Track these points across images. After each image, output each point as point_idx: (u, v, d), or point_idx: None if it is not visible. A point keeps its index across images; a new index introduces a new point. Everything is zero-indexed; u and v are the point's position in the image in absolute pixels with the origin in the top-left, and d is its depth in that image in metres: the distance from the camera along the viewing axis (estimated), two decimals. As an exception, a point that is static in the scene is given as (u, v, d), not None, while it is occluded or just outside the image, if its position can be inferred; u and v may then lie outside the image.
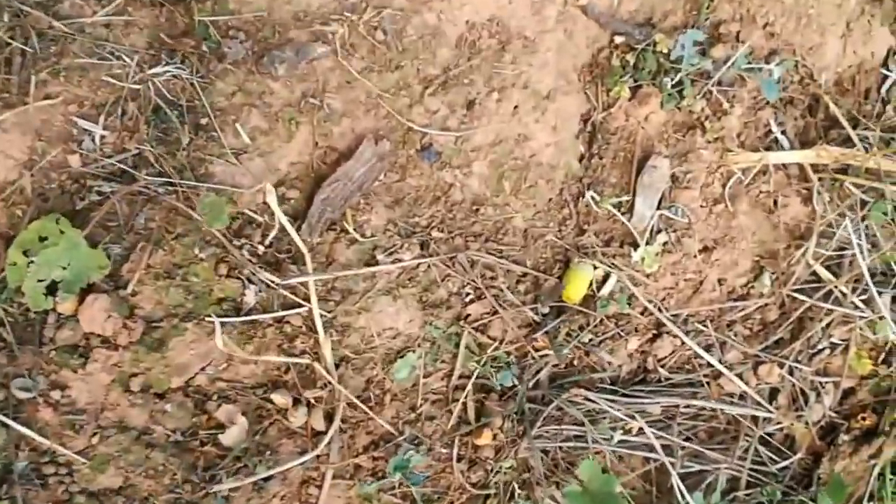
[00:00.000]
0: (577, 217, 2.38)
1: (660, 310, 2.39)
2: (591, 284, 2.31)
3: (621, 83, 2.45)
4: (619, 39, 2.50)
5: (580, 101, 2.45)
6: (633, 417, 2.29)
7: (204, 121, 2.15)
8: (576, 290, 2.27)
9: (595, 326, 2.33)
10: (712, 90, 2.51)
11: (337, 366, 2.14)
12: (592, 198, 2.36)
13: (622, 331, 2.36)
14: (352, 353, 2.16)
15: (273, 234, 2.13)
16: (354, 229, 2.18)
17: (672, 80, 2.48)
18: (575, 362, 2.34)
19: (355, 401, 2.11)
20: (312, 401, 2.10)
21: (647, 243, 2.37)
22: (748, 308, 2.50)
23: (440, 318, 2.23)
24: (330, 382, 2.10)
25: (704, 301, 2.47)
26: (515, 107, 2.30)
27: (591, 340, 2.33)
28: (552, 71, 2.36)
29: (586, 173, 2.42)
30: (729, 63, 2.48)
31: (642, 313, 2.39)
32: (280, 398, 2.07)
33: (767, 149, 2.54)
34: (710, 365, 2.43)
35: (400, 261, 2.18)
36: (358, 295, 2.17)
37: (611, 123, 2.48)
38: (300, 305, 2.11)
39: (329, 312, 2.14)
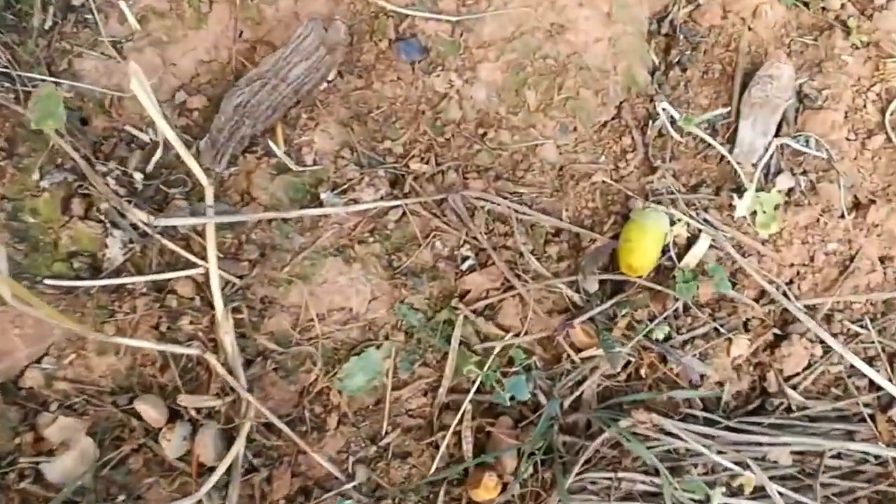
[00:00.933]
0: (644, 149, 1.61)
1: (786, 296, 1.55)
2: (666, 248, 1.51)
3: (716, -36, 1.70)
4: None
5: (652, -9, 1.71)
6: (745, 466, 1.44)
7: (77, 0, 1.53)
8: (642, 254, 1.49)
9: (676, 316, 1.53)
10: (858, -28, 1.74)
11: (249, 363, 1.43)
12: (671, 118, 1.58)
13: (722, 325, 1.54)
14: (276, 344, 1.45)
15: (158, 155, 1.45)
16: (287, 153, 1.48)
17: (794, -39, 1.72)
18: (642, 372, 1.53)
19: (276, 420, 1.38)
20: (202, 417, 1.37)
21: (760, 189, 1.56)
22: (933, 303, 1.66)
23: (421, 294, 1.49)
24: (233, 389, 1.37)
25: (859, 287, 1.64)
26: (547, -17, 1.59)
27: (668, 338, 1.52)
28: (605, -66, 1.65)
29: (660, 90, 1.65)
30: (883, -68, 1.71)
31: (757, 300, 1.56)
32: (150, 410, 1.36)
33: (950, 59, 1.71)
34: (874, 387, 1.59)
35: (358, 202, 1.46)
36: (289, 254, 1.46)
37: (699, 21, 1.74)
38: (193, 266, 1.41)
39: (240, 279, 1.44)
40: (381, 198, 1.48)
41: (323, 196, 1.47)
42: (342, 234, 1.48)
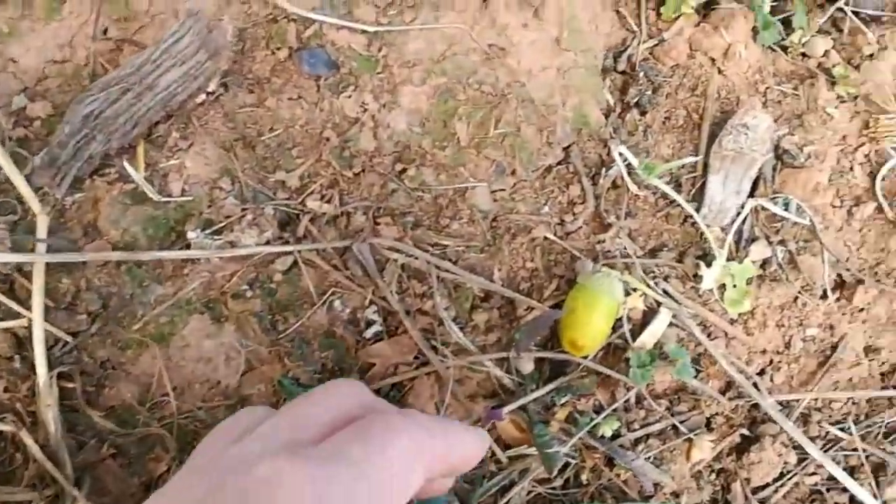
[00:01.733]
0: (595, 201, 1.43)
1: (757, 387, 1.38)
2: (619, 323, 1.33)
3: (683, -6, 1.57)
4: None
5: (607, 22, 1.56)
6: None
7: None
8: (590, 329, 1.30)
9: (627, 408, 1.34)
10: (844, 16, 1.62)
11: (79, 446, 1.20)
12: (628, 165, 1.42)
13: (682, 422, 1.35)
14: (116, 423, 1.21)
15: (-20, 173, 1.23)
16: (149, 179, 1.27)
17: (772, -2, 1.61)
18: (583, 477, 1.33)
19: (109, 525, 1.13)
20: (7, 516, 1.13)
21: (731, 258, 1.40)
22: (923, 405, 1.52)
23: (311, 366, 1.27)
24: (55, 479, 1.12)
25: (841, 383, 1.48)
26: (486, -3, 1.43)
27: (617, 435, 1.33)
28: (557, -51, 1.50)
29: (615, 135, 1.49)
30: (872, -27, 1.62)
31: (723, 392, 1.39)
32: (-64, 506, 1.10)
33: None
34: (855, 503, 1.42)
35: (235, 246, 1.24)
36: (142, 307, 1.24)
37: (662, 60, 1.59)
38: (15, 316, 1.18)
39: (74, 336, 1.22)
40: (267, 242, 1.27)
41: (191, 235, 1.24)
42: (213, 286, 1.26)
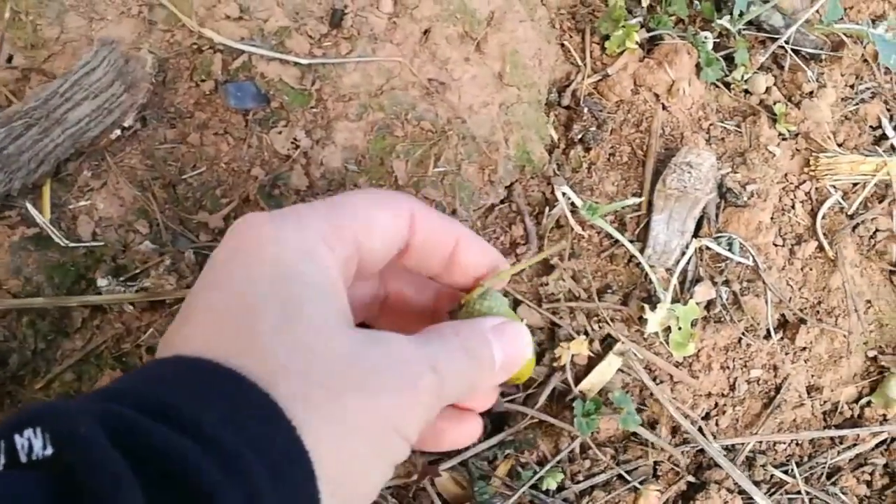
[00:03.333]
0: (538, 242, 1.24)
1: (702, 432, 1.22)
2: (562, 369, 1.15)
3: (628, 28, 1.39)
4: (624, -36, 1.49)
5: (552, 56, 1.38)
6: None
7: None
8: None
9: (571, 458, 1.16)
10: (784, 53, 1.47)
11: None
12: (572, 205, 1.23)
13: (628, 472, 1.18)
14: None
15: None
16: (55, 222, 1.05)
17: (713, 35, 1.44)
18: (526, 535, 1.14)
19: None
20: None
21: (676, 300, 1.23)
22: (862, 444, 1.36)
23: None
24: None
25: (784, 425, 1.33)
26: (426, 31, 1.23)
27: (562, 488, 1.14)
28: (500, -16, 1.30)
29: (559, 171, 1.31)
30: (813, 11, 1.47)
31: (670, 439, 1.21)
32: None
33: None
34: (803, 552, 1.25)
35: (150, 293, 1.03)
36: (47, 363, 1.02)
37: (607, 95, 1.41)
38: None
39: (-34, 397, 0.98)
40: (187, 288, 1.06)
41: (101, 283, 1.03)
42: (126, 338, 1.04)
